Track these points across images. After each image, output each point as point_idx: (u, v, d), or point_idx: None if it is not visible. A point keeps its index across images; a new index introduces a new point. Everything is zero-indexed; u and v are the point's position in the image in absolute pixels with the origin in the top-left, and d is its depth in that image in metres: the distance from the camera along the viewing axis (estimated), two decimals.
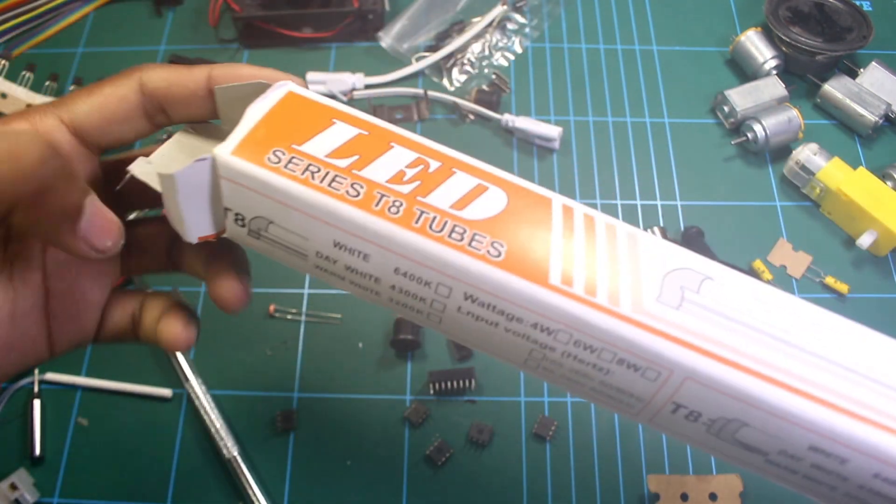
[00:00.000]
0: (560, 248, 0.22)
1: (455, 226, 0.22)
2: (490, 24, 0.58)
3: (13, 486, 0.40)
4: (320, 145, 0.23)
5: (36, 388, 0.44)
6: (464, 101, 0.54)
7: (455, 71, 0.57)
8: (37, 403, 0.43)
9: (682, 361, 0.20)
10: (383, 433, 0.43)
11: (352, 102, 0.55)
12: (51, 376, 0.44)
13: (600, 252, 0.22)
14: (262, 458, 0.42)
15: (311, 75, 0.55)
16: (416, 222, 0.22)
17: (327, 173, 0.22)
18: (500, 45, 0.58)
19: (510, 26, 0.59)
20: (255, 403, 0.44)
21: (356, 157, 0.23)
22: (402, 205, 0.22)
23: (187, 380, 0.44)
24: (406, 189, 0.22)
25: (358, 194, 0.22)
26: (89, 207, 0.22)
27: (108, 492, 0.42)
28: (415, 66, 0.56)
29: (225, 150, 0.22)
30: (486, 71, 0.57)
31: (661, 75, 0.57)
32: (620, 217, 0.51)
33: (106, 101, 0.25)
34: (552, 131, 0.52)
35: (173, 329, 0.27)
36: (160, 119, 0.26)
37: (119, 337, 0.29)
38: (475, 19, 0.59)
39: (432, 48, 0.57)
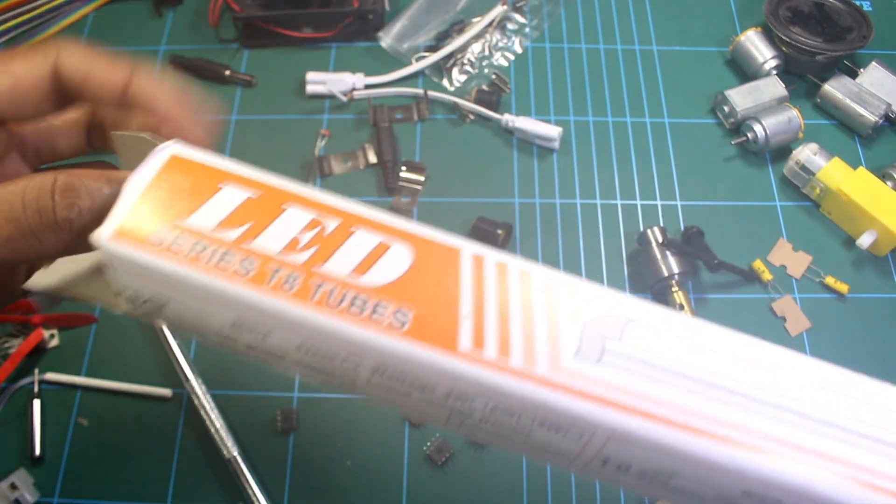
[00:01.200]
0: (470, 309, 0.21)
1: (356, 296, 0.20)
2: (490, 24, 0.58)
3: (13, 486, 0.40)
4: (208, 216, 0.21)
5: (36, 388, 0.44)
6: (464, 101, 0.54)
7: (455, 71, 0.57)
8: (37, 403, 0.43)
9: (603, 421, 0.20)
10: (383, 433, 0.43)
11: (352, 102, 0.55)
12: (51, 376, 0.44)
13: (514, 307, 0.21)
14: (262, 458, 0.42)
15: (311, 75, 0.55)
16: (314, 296, 0.20)
17: (215, 250, 0.20)
18: (500, 45, 0.58)
19: (510, 26, 0.59)
20: (255, 403, 0.44)
21: (247, 226, 0.21)
22: (297, 278, 0.20)
23: (187, 380, 0.44)
24: (301, 258, 0.21)
25: (249, 271, 0.20)
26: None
27: (108, 492, 0.42)
28: (415, 66, 0.56)
29: (105, 235, 0.20)
30: (486, 71, 0.57)
31: (661, 75, 0.57)
32: (620, 217, 0.51)
33: (18, 82, 0.23)
34: (552, 131, 0.52)
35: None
36: (69, 105, 0.25)
37: (74, 151, 0.27)
38: (475, 19, 0.59)
39: (432, 48, 0.57)
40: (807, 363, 0.22)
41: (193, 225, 0.21)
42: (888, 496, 0.20)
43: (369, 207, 0.22)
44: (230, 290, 0.20)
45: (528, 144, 0.54)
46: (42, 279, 0.23)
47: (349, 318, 0.20)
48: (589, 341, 0.21)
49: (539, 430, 0.21)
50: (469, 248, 0.22)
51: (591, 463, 0.22)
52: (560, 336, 0.20)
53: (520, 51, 0.58)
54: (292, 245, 0.21)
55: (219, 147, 0.55)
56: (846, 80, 0.54)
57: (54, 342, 0.45)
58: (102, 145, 0.27)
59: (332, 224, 0.22)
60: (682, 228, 0.50)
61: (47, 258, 0.22)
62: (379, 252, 0.21)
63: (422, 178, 0.51)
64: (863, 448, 0.20)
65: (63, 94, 0.24)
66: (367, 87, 0.56)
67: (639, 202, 0.51)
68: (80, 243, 0.21)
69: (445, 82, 0.56)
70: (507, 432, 0.21)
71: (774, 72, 0.55)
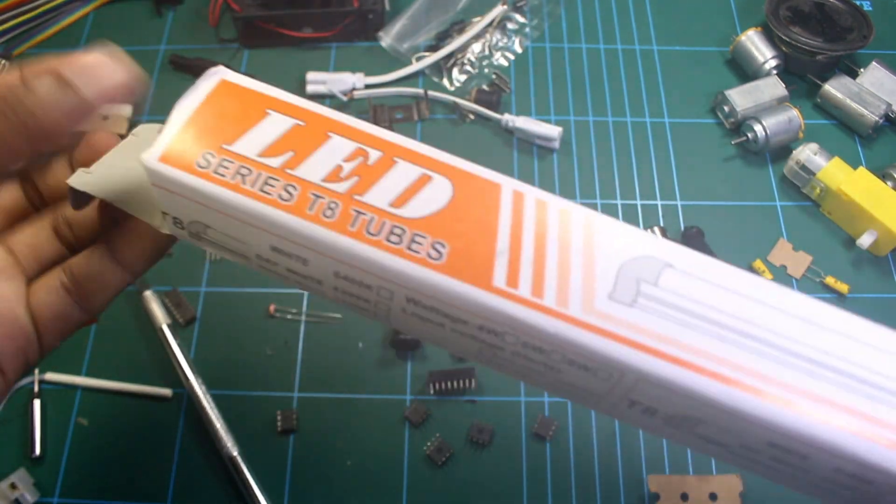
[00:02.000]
0: (507, 245, 0.21)
1: (394, 227, 0.21)
2: (490, 24, 0.58)
3: (13, 486, 0.40)
4: (252, 142, 0.21)
5: (36, 388, 0.44)
6: (464, 101, 0.54)
7: (455, 71, 0.57)
8: (37, 403, 0.43)
9: (632, 364, 0.20)
10: (383, 433, 0.43)
11: (352, 102, 0.55)
12: (51, 376, 0.44)
13: (551, 245, 0.21)
14: (262, 458, 0.42)
15: (311, 75, 0.55)
16: (353, 226, 0.20)
17: (259, 175, 0.21)
18: (500, 45, 0.58)
19: (510, 26, 0.59)
20: (255, 403, 0.44)
21: (290, 154, 0.21)
22: (337, 206, 0.21)
23: (187, 380, 0.44)
24: (342, 188, 0.21)
25: (291, 197, 0.21)
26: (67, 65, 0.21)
27: (108, 492, 0.42)
28: (415, 66, 0.56)
29: (152, 157, 0.21)
30: (486, 71, 0.57)
31: (661, 75, 0.57)
32: (621, 217, 0.51)
33: None
34: (552, 131, 0.52)
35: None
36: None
37: (63, 320, 0.26)
38: (475, 19, 0.59)
39: (432, 48, 0.57)
40: (847, 318, 0.22)
41: (239, 150, 0.21)
42: None
43: (414, 141, 0.23)
44: (271, 214, 0.20)
45: (528, 144, 0.54)
46: (84, 178, 0.23)
47: (386, 249, 0.20)
48: (624, 284, 0.20)
49: (569, 368, 0.21)
50: (510, 185, 0.22)
51: (618, 404, 0.22)
52: (595, 277, 0.20)
53: (520, 51, 0.58)
54: (334, 174, 0.21)
55: None
56: (846, 80, 0.54)
57: None
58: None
59: (375, 154, 0.22)
60: (682, 228, 0.50)
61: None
62: (420, 184, 0.21)
63: None
64: None
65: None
66: (368, 86, 0.56)
67: (639, 202, 0.52)
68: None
69: (445, 82, 0.56)
70: (538, 367, 0.22)
71: (774, 72, 0.55)
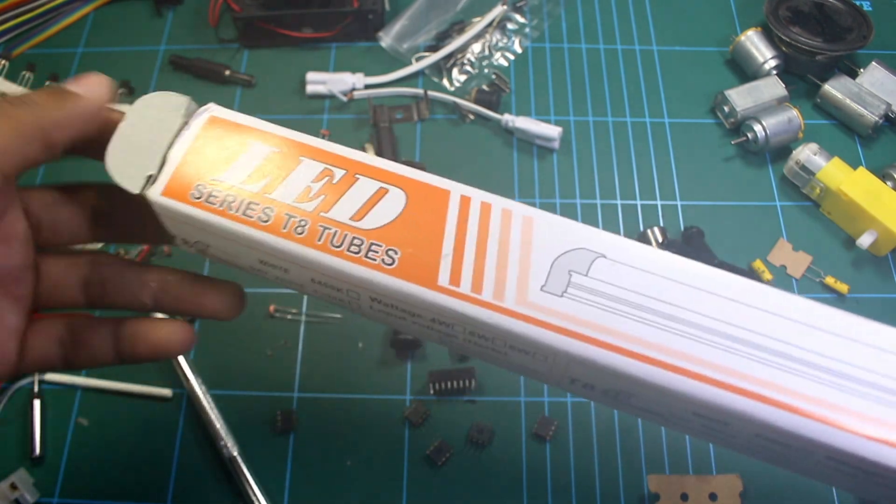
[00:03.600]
0: (451, 247, 0.24)
1: (353, 238, 0.24)
2: (490, 24, 0.58)
3: (13, 486, 0.40)
4: (237, 172, 0.25)
5: (36, 388, 0.44)
6: (464, 101, 0.54)
7: (455, 71, 0.57)
8: (37, 403, 0.43)
9: (561, 348, 0.22)
10: (383, 433, 0.43)
11: (352, 102, 0.55)
12: (51, 376, 0.44)
13: (492, 243, 0.24)
14: (262, 458, 0.42)
15: (311, 75, 0.55)
16: (319, 240, 0.24)
17: (242, 201, 0.25)
18: (500, 45, 0.58)
19: (510, 26, 0.59)
20: (255, 403, 0.44)
21: (268, 180, 0.25)
22: (307, 224, 0.24)
23: (187, 380, 0.44)
24: (311, 206, 0.25)
25: (269, 219, 0.24)
26: (73, 85, 0.25)
27: (108, 492, 0.42)
28: (415, 66, 0.56)
29: (155, 193, 0.25)
30: (486, 71, 0.57)
31: (661, 75, 0.57)
32: (620, 217, 0.51)
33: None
34: (552, 131, 0.52)
35: (172, 331, 0.28)
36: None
37: (44, 364, 0.28)
38: (475, 19, 0.59)
39: (432, 48, 0.57)
40: (772, 294, 0.24)
41: (225, 179, 0.25)
42: (814, 420, 0.22)
43: (375, 157, 0.26)
44: (254, 235, 0.24)
45: (528, 144, 0.54)
46: (119, 160, 0.25)
47: (348, 258, 0.24)
48: (557, 275, 0.23)
49: (512, 352, 0.24)
50: (457, 190, 0.25)
51: (562, 381, 0.25)
52: (530, 271, 0.23)
53: (520, 51, 0.58)
54: (305, 194, 0.25)
55: None
56: (846, 80, 0.54)
57: None
58: (107, 235, 0.30)
59: (339, 173, 0.25)
60: (682, 228, 0.50)
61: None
62: (377, 197, 0.25)
63: None
64: (806, 377, 0.22)
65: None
66: (367, 87, 0.56)
67: (639, 202, 0.52)
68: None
69: (445, 82, 0.56)
70: (487, 352, 0.25)
71: (774, 72, 0.55)
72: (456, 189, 0.25)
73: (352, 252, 0.24)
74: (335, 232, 0.24)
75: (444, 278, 0.23)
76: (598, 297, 0.23)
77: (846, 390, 0.22)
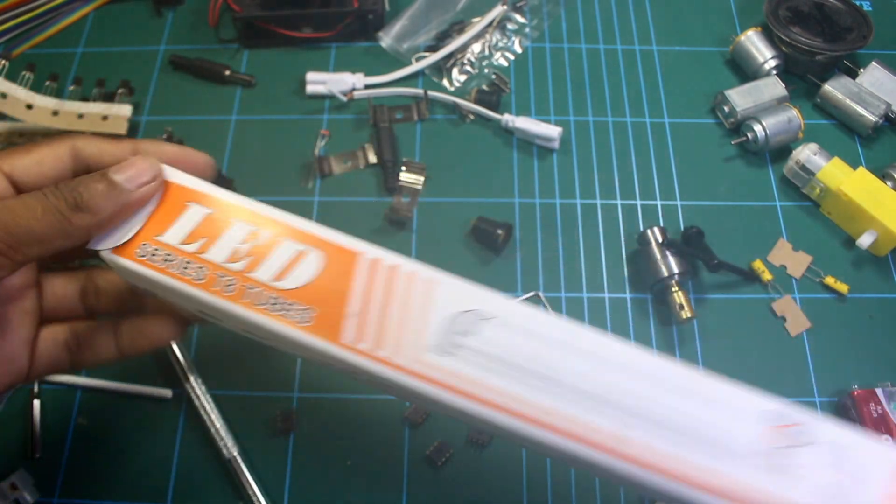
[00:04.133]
0: (357, 307, 0.27)
1: (276, 298, 0.27)
2: (490, 24, 0.58)
3: (13, 486, 0.40)
4: (177, 232, 0.28)
5: (36, 388, 0.44)
6: (464, 101, 0.54)
7: (455, 71, 0.57)
8: (37, 403, 0.43)
9: (445, 400, 0.25)
10: (383, 433, 0.43)
11: (352, 102, 0.55)
12: (51, 376, 0.44)
13: (395, 304, 0.27)
14: (262, 458, 0.42)
15: (311, 75, 0.55)
16: (245, 297, 0.27)
17: (180, 261, 0.28)
18: (500, 45, 0.58)
19: (510, 26, 0.59)
20: (255, 403, 0.44)
21: (203, 241, 0.28)
22: (235, 282, 0.27)
23: (187, 380, 0.44)
24: (239, 266, 0.27)
25: (203, 277, 0.27)
26: (115, 171, 0.27)
27: (108, 492, 0.42)
28: (415, 66, 0.56)
29: (107, 252, 0.28)
30: (486, 71, 0.57)
31: (661, 75, 0.57)
32: (620, 217, 0.51)
33: (42, 158, 0.29)
34: (552, 131, 0.52)
35: (165, 324, 0.31)
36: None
37: (54, 368, 0.31)
38: (475, 19, 0.59)
39: (432, 48, 0.57)
40: (644, 359, 0.26)
41: (166, 240, 0.28)
42: (631, 463, 0.25)
43: (298, 218, 0.28)
44: (191, 291, 0.27)
45: (528, 144, 0.54)
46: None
47: (269, 315, 0.27)
48: (448, 336, 0.26)
49: (409, 396, 0.28)
50: (369, 253, 0.28)
51: (449, 415, 0.28)
52: (426, 332, 0.26)
53: (520, 51, 0.58)
54: (234, 256, 0.28)
55: (219, 147, 0.56)
56: (846, 80, 0.54)
57: None
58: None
59: (265, 234, 0.28)
60: (682, 228, 0.49)
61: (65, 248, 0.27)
62: (297, 258, 0.28)
63: (422, 178, 0.51)
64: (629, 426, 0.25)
65: (80, 168, 0.29)
66: (367, 87, 0.56)
67: (639, 202, 0.52)
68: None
69: (445, 82, 0.56)
70: (390, 392, 0.28)
71: (774, 72, 0.55)
72: (367, 252, 0.28)
73: (274, 310, 0.27)
74: (259, 291, 0.27)
75: (348, 336, 0.26)
76: (482, 357, 0.26)
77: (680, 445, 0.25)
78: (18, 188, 0.28)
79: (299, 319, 0.27)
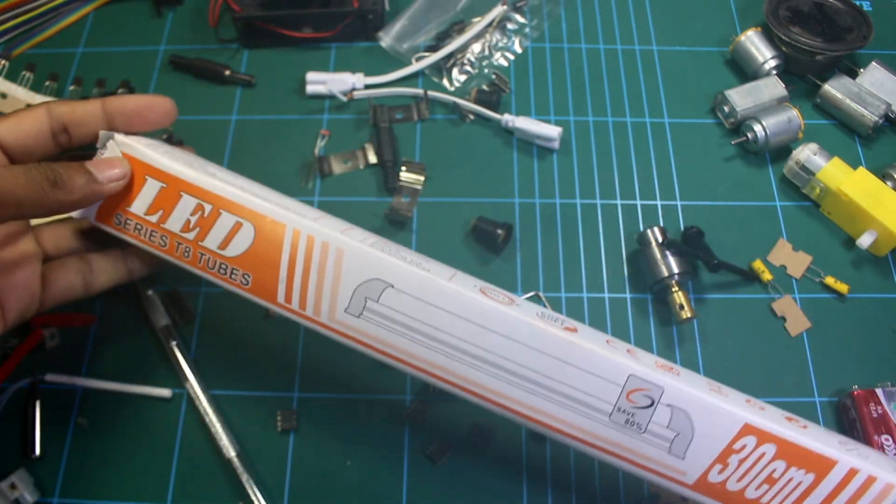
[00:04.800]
0: (285, 273, 0.32)
1: (222, 263, 0.33)
2: (490, 24, 0.58)
3: (13, 486, 0.40)
4: (141, 204, 0.34)
5: (36, 388, 0.44)
6: (464, 101, 0.54)
7: (455, 71, 0.57)
8: (37, 403, 0.43)
9: (355, 349, 0.33)
10: (383, 433, 0.43)
11: (352, 102, 0.55)
12: (51, 377, 0.44)
13: (314, 270, 0.32)
14: (262, 458, 0.42)
15: (311, 75, 0.55)
16: (200, 262, 0.33)
17: (146, 229, 0.34)
18: (500, 45, 0.58)
19: (510, 26, 0.59)
20: (255, 403, 0.44)
21: (161, 212, 0.33)
22: (191, 249, 0.33)
23: (187, 380, 0.44)
24: (191, 236, 0.33)
25: (166, 244, 0.34)
26: (93, 165, 0.33)
27: (108, 492, 0.42)
28: (415, 66, 0.56)
29: (93, 218, 0.35)
30: (486, 71, 0.57)
31: (661, 75, 0.57)
32: (620, 217, 0.51)
33: (22, 119, 0.34)
34: (552, 131, 0.52)
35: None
36: (62, 139, 0.35)
37: (67, 294, 0.37)
38: (475, 19, 0.59)
39: (432, 48, 0.57)
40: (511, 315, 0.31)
41: (134, 210, 0.34)
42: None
43: (234, 191, 0.33)
44: (161, 255, 0.34)
45: (528, 144, 0.54)
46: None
47: (220, 277, 0.33)
48: (357, 300, 0.32)
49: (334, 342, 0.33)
50: (292, 224, 0.32)
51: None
52: (339, 295, 0.32)
53: (520, 51, 0.58)
54: (186, 226, 0.33)
55: (219, 147, 0.56)
56: (846, 80, 0.54)
57: (54, 342, 0.45)
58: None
59: (208, 208, 0.33)
60: (682, 228, 0.50)
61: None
62: (235, 230, 0.33)
63: (422, 178, 0.51)
64: (507, 381, 0.31)
65: (56, 127, 0.34)
66: (367, 87, 0.56)
67: (639, 202, 0.52)
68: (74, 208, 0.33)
69: (445, 82, 0.56)
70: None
71: (774, 72, 0.55)
72: (291, 223, 0.32)
73: (222, 273, 0.33)
74: (209, 258, 0.33)
75: (281, 297, 0.32)
76: (384, 319, 0.31)
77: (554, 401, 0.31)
78: (4, 149, 0.33)
79: (242, 282, 0.33)
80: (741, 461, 0.30)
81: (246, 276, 0.32)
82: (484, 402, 0.31)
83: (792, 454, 0.30)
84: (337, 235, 0.32)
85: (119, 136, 0.34)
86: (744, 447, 0.30)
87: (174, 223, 0.33)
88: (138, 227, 0.33)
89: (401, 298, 0.31)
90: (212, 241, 0.33)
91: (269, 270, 0.32)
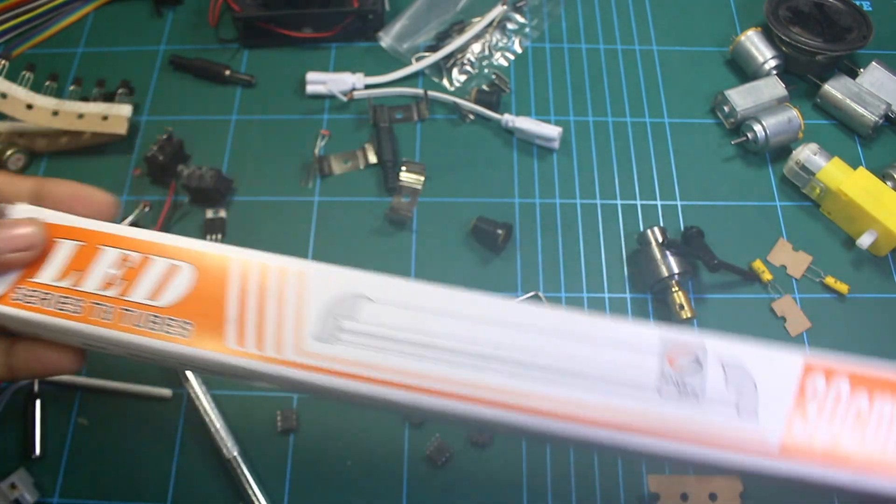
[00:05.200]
0: (235, 312, 0.27)
1: (153, 317, 0.27)
2: (490, 24, 0.58)
3: (13, 486, 0.40)
4: (50, 270, 0.28)
5: (36, 388, 0.44)
6: (464, 101, 0.54)
7: (455, 71, 0.57)
8: (37, 403, 0.43)
9: (335, 387, 0.26)
10: (383, 433, 0.43)
11: (352, 102, 0.55)
12: (51, 377, 0.44)
13: (271, 302, 0.27)
14: (262, 458, 0.42)
15: (311, 75, 0.55)
16: (123, 322, 0.27)
17: (55, 298, 0.27)
18: (500, 45, 0.58)
19: (510, 26, 0.59)
20: (255, 403, 0.44)
21: (76, 274, 0.28)
22: (111, 309, 0.27)
23: (187, 380, 0.44)
24: (113, 293, 0.27)
25: (80, 310, 0.27)
26: None
27: (108, 492, 0.42)
28: (415, 66, 0.56)
29: None
30: (486, 71, 0.57)
31: (661, 75, 0.57)
32: (620, 217, 0.51)
33: None
34: (552, 131, 0.52)
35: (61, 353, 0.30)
36: None
37: None
38: (475, 19, 0.59)
39: (432, 48, 0.57)
40: (510, 308, 0.27)
41: (40, 279, 0.28)
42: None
43: (165, 235, 0.28)
44: (70, 326, 0.27)
45: (528, 144, 0.54)
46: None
47: (150, 335, 0.27)
48: (328, 324, 0.26)
49: (300, 388, 0.28)
50: (239, 257, 0.28)
51: (353, 404, 0.28)
52: (305, 324, 0.26)
53: (520, 51, 0.58)
54: (106, 283, 0.28)
55: (219, 147, 0.56)
56: (846, 80, 0.54)
57: None
58: None
59: (135, 257, 0.28)
60: (682, 228, 0.50)
61: None
62: (169, 275, 0.28)
63: (422, 178, 0.51)
64: (526, 378, 0.26)
65: None
66: (367, 87, 0.56)
67: (639, 202, 0.52)
68: None
69: (445, 82, 0.56)
70: (283, 387, 0.29)
71: (774, 72, 0.55)
72: (236, 257, 0.28)
73: (154, 329, 0.27)
74: (137, 313, 0.27)
75: (231, 341, 0.26)
76: (363, 337, 0.26)
77: (576, 387, 0.26)
78: None
79: (180, 334, 0.27)
80: (819, 409, 0.26)
81: (185, 325, 0.27)
82: (513, 414, 0.25)
83: (870, 383, 0.26)
84: (294, 260, 0.28)
85: (24, 205, 0.29)
86: (815, 391, 0.26)
87: (92, 282, 0.28)
88: (45, 297, 0.28)
89: (377, 311, 0.27)
90: (140, 293, 0.27)
91: (213, 312, 0.27)
